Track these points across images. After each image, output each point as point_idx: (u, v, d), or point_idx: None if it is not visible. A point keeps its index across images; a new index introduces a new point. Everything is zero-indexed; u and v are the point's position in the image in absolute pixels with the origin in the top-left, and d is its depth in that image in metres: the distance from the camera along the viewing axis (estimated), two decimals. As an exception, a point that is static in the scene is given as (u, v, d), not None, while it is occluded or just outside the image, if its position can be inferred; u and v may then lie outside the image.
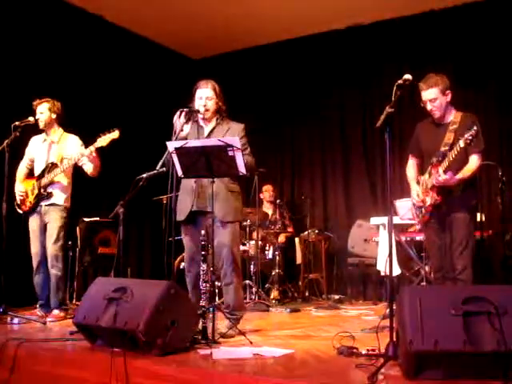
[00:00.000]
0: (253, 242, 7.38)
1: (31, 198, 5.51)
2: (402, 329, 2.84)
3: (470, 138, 4.02)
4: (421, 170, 4.73)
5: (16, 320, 5.02)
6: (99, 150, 5.29)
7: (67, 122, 5.76)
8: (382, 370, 2.85)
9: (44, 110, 5.56)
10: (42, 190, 5.46)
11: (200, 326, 3.79)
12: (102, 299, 3.59)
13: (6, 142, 5.28)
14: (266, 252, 7.64)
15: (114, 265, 5.50)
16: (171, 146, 4.01)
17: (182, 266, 7.10)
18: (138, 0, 7.47)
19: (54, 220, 5.45)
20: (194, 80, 4.72)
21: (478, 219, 6.04)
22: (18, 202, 5.58)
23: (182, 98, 4.80)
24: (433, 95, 4.42)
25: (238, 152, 3.92)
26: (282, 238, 7.94)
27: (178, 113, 4.34)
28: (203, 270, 3.99)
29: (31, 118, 5.42)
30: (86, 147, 5.33)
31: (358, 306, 6.82)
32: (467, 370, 2.67)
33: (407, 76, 3.50)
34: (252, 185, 7.31)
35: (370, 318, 5.56)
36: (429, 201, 4.49)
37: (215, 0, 7.57)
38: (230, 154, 3.92)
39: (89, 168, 5.45)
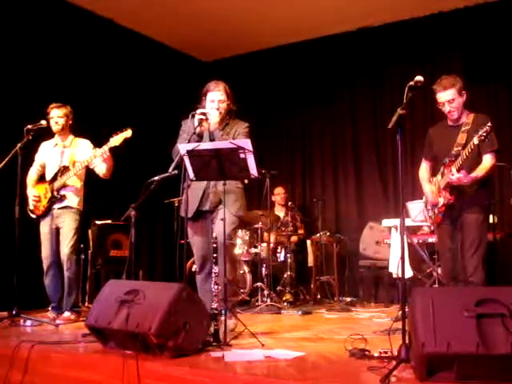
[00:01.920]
0: (264, 245, 7.39)
1: (44, 202, 5.55)
2: (414, 331, 2.83)
3: (485, 134, 3.99)
4: (433, 173, 4.72)
5: (29, 322, 5.05)
6: (112, 151, 5.31)
7: (80, 125, 5.79)
8: (395, 373, 2.84)
9: (63, 115, 5.60)
10: (55, 193, 5.50)
11: (212, 328, 3.80)
12: (114, 302, 3.60)
13: (19, 145, 5.31)
14: (278, 254, 7.64)
15: (126, 267, 5.51)
16: (183, 148, 4.01)
17: (193, 269, 7.12)
18: (148, 2, 7.49)
19: (68, 223, 5.48)
20: (205, 82, 4.73)
21: (491, 221, 6.01)
22: (31, 207, 5.62)
23: (193, 100, 4.81)
24: (451, 96, 4.40)
25: (250, 154, 3.92)
26: (293, 240, 7.94)
27: (190, 116, 4.35)
28: (215, 273, 3.99)
29: (44, 122, 5.45)
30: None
31: (369, 309, 6.78)
32: (480, 372, 2.65)
33: (419, 77, 3.48)
34: (264, 187, 7.32)
35: (382, 321, 5.54)
36: (442, 201, 4.46)
37: (226, 2, 7.59)
38: (242, 156, 3.92)
39: (101, 169, 5.48)
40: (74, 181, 5.56)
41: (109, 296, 3.75)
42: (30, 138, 5.35)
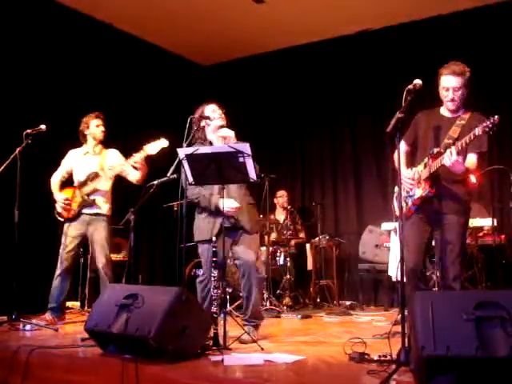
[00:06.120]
0: (263, 248, 7.38)
1: (74, 206, 5.62)
2: (413, 334, 2.83)
3: (490, 126, 3.63)
4: (412, 162, 4.41)
5: (28, 327, 5.04)
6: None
7: (77, 131, 5.80)
8: (394, 376, 2.84)
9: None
10: (85, 197, 5.57)
11: (211, 332, 3.79)
12: (114, 306, 3.60)
13: (18, 149, 5.33)
14: (277, 258, 7.63)
15: (126, 271, 5.51)
16: (182, 152, 4.02)
17: (193, 273, 7.13)
18: (147, 7, 7.51)
19: (101, 231, 5.59)
20: (203, 87, 4.74)
21: (490, 224, 6.01)
22: (59, 210, 5.64)
23: (191, 104, 4.82)
24: (459, 84, 4.11)
25: (249, 158, 3.92)
26: (293, 244, 7.94)
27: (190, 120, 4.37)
28: (214, 277, 3.99)
29: (43, 126, 5.47)
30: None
31: (369, 312, 6.79)
32: (480, 375, 2.65)
33: (417, 81, 3.48)
34: (263, 191, 7.31)
35: (381, 324, 5.55)
36: (419, 193, 4.16)
37: (225, 7, 7.60)
38: (241, 160, 3.92)
39: (135, 176, 5.56)
40: (104, 187, 5.66)
41: (108, 300, 3.75)
42: (29, 142, 5.38)
